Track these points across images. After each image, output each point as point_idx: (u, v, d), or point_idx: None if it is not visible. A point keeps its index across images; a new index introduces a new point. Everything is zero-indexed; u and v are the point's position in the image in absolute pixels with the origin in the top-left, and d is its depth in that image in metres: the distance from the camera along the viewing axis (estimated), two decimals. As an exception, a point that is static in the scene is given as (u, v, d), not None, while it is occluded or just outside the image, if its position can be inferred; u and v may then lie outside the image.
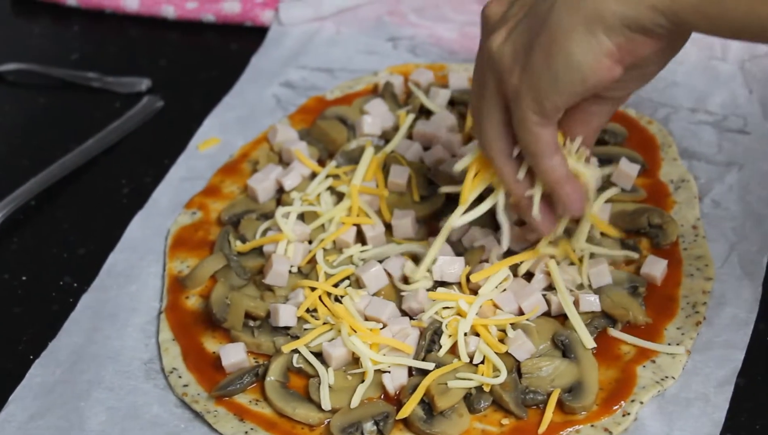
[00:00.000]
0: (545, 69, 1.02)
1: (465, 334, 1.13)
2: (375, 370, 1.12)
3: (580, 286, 1.18)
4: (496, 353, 1.12)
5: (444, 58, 1.51)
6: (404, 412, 1.09)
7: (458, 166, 1.16)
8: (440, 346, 1.14)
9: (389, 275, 1.20)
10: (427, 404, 1.10)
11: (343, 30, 1.58)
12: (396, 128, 1.37)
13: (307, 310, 1.18)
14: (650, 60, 1.04)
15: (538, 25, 1.02)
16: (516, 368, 1.12)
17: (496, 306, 1.16)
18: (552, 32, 1.00)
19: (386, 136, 1.37)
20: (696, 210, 1.27)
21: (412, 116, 1.38)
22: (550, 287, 1.19)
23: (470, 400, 1.10)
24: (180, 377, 1.16)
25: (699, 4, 0.94)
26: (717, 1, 0.94)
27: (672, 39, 1.02)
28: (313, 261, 1.23)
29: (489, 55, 1.06)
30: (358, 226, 1.25)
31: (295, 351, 1.15)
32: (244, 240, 1.27)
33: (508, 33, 1.05)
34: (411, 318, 1.17)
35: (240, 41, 1.60)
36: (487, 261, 1.20)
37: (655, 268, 1.20)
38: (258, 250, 1.25)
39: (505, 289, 1.18)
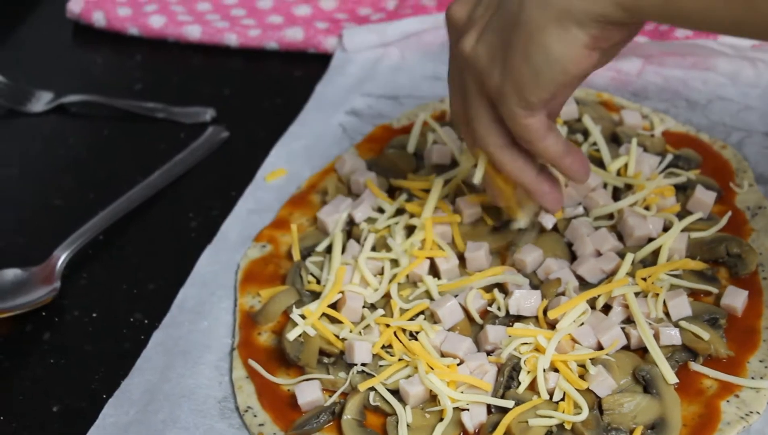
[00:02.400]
0: (525, 66, 1.05)
1: (544, 370, 1.11)
2: (453, 408, 1.10)
3: (659, 320, 1.16)
4: (576, 389, 1.10)
5: (511, 83, 1.49)
6: (485, 451, 1.08)
7: (477, 179, 1.19)
8: (519, 383, 1.12)
9: (465, 310, 1.19)
10: (508, 443, 1.08)
11: (407, 56, 1.57)
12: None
13: (383, 347, 1.16)
14: (622, 42, 1.08)
15: (510, 24, 1.05)
16: (597, 405, 1.10)
17: (574, 340, 1.14)
18: (526, 30, 1.04)
19: (455, 164, 1.35)
20: (775, 237, 1.25)
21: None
22: (629, 320, 1.17)
23: (551, 438, 1.09)
24: (255, 416, 1.15)
25: (662, 2, 0.98)
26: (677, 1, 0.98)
27: (639, 24, 1.07)
28: (386, 295, 1.22)
29: (464, 58, 1.10)
30: (431, 259, 1.23)
31: (372, 389, 1.13)
32: (315, 274, 1.26)
33: (479, 34, 1.08)
34: (488, 354, 1.15)
35: (303, 68, 1.59)
36: (563, 293, 1.18)
37: (736, 299, 1.17)
38: (329, 284, 1.24)
39: (582, 323, 1.16)
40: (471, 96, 1.12)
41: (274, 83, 1.59)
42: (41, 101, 1.58)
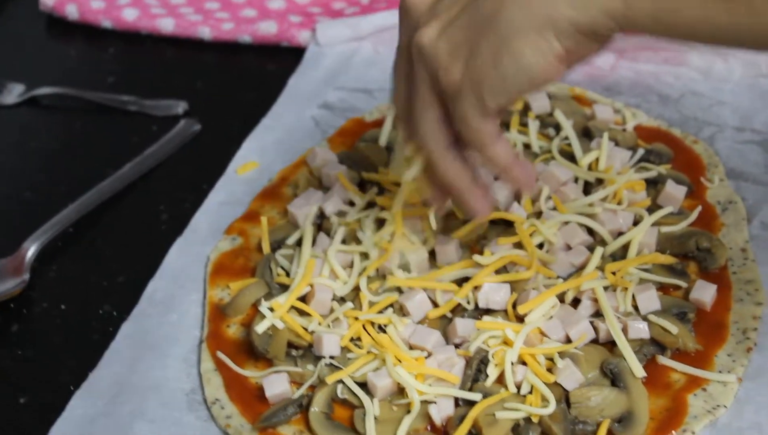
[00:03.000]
0: (492, 69, 1.01)
1: (512, 364, 1.11)
2: (421, 401, 1.10)
3: (628, 313, 1.16)
4: (544, 383, 1.10)
5: (484, 77, 1.49)
6: (452, 444, 1.07)
7: (408, 176, 1.17)
8: (487, 376, 1.12)
9: (433, 303, 1.19)
10: (475, 435, 1.08)
11: (381, 50, 1.56)
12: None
13: (351, 340, 1.16)
14: (589, 57, 1.05)
15: (483, 23, 1.01)
16: (564, 398, 1.10)
17: (542, 334, 1.14)
18: (501, 32, 1.00)
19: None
20: (745, 232, 1.24)
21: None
22: (597, 314, 1.17)
23: (518, 431, 1.08)
24: (223, 408, 1.14)
25: (655, 12, 0.95)
26: (673, 9, 0.95)
27: (610, 39, 1.03)
28: (356, 288, 1.21)
29: (419, 50, 1.05)
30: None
31: (339, 381, 1.13)
32: (284, 267, 1.25)
33: (442, 28, 1.04)
34: (457, 347, 1.15)
35: (277, 62, 1.59)
36: (534, 288, 1.18)
37: (705, 293, 1.17)
38: (299, 277, 1.24)
39: (551, 317, 1.16)
40: (419, 90, 1.08)
41: (248, 77, 1.58)
42: (13, 93, 1.57)
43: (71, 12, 1.66)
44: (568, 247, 1.23)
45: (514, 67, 1.01)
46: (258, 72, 1.58)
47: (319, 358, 1.16)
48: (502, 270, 1.20)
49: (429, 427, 1.10)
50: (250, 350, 1.18)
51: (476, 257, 1.20)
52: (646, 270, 1.19)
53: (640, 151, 1.33)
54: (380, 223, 1.27)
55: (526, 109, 1.40)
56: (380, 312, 1.18)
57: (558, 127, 1.37)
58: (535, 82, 1.02)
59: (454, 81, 1.04)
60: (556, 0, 0.98)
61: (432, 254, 1.24)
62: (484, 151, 1.08)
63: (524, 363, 1.12)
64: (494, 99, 1.03)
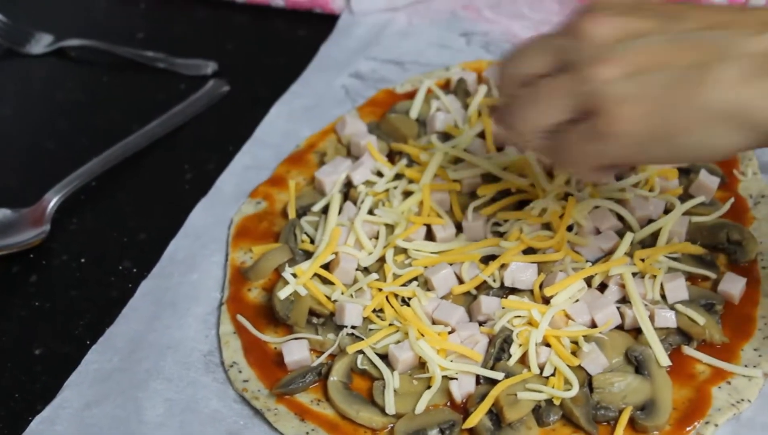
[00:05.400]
0: (667, 140, 0.96)
1: (536, 345, 1.10)
2: (442, 377, 1.09)
3: (655, 301, 1.14)
4: (567, 366, 1.08)
5: (518, 56, 1.48)
6: (471, 422, 1.06)
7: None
8: (510, 356, 1.10)
9: (459, 279, 1.17)
10: (495, 415, 1.07)
11: (415, 22, 1.55)
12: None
13: (374, 311, 1.15)
14: None
15: (680, 92, 0.95)
16: (587, 382, 1.09)
17: (568, 317, 1.13)
18: (697, 110, 0.94)
19: (455, 134, 1.33)
20: (776, 227, 1.23)
21: (485, 116, 1.33)
22: (624, 300, 1.15)
23: (539, 412, 1.07)
24: (240, 372, 1.13)
25: None
26: None
27: None
28: (380, 259, 1.20)
29: (590, 83, 0.97)
30: (428, 225, 1.22)
31: (360, 352, 1.12)
32: (309, 233, 1.24)
33: (625, 74, 0.97)
34: (481, 325, 1.13)
35: (309, 28, 1.56)
36: (562, 270, 1.16)
37: (734, 286, 1.16)
38: (323, 245, 1.22)
39: (578, 300, 1.14)
40: (560, 99, 1.00)
41: (279, 41, 1.56)
42: (41, 43, 1.56)
43: (103, -34, 1.64)
44: (597, 232, 1.21)
45: (694, 146, 0.96)
46: (289, 37, 1.56)
47: (340, 327, 1.14)
48: (529, 250, 1.19)
49: (448, 404, 1.09)
50: (271, 315, 1.17)
51: (503, 243, 1.18)
52: (675, 259, 1.18)
53: (674, 140, 1.31)
54: (408, 196, 1.25)
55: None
56: (404, 285, 1.17)
57: (591, 111, 1.35)
58: (703, 159, 1.00)
59: (606, 127, 0.97)
60: (765, 97, 0.94)
61: (459, 230, 1.22)
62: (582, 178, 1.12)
63: (548, 345, 1.10)
64: (638, 161, 1.03)
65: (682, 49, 0.97)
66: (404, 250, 1.20)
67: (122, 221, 1.31)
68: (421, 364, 1.11)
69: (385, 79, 1.46)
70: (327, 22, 1.56)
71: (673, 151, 0.98)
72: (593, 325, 1.13)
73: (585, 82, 0.98)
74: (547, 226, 1.20)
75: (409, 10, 1.56)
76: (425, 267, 1.18)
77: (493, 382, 1.08)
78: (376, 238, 1.22)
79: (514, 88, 1.05)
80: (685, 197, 1.24)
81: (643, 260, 1.16)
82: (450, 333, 1.12)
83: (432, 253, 1.19)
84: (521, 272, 1.16)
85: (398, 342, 1.12)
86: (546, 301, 1.14)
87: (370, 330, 1.14)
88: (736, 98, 0.94)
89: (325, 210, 1.26)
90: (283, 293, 1.16)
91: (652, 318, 1.12)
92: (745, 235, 1.20)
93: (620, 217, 1.22)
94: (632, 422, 1.06)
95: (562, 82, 1.00)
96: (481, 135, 1.32)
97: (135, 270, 1.25)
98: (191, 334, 1.17)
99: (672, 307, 1.13)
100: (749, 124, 0.94)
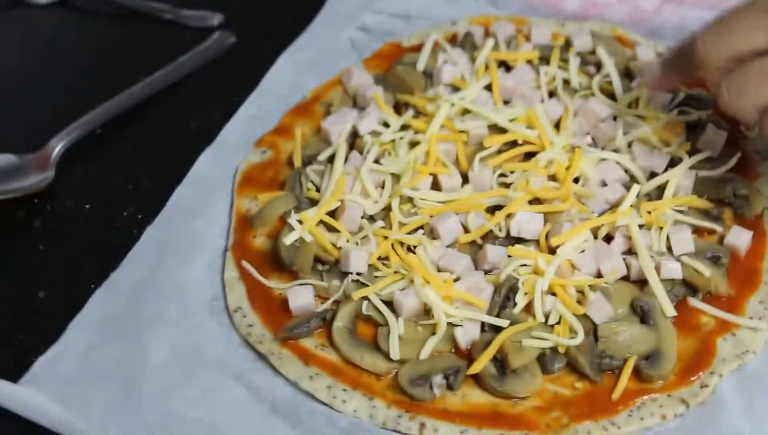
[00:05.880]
0: None
1: (542, 293, 1.10)
2: (447, 323, 1.09)
3: (661, 253, 1.14)
4: (573, 314, 1.08)
5: (525, 11, 1.47)
6: (476, 368, 1.06)
7: None
8: (515, 304, 1.10)
9: (465, 228, 1.17)
10: (500, 362, 1.07)
11: (423, -24, 1.54)
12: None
13: (379, 259, 1.14)
14: None
15: None
16: (592, 331, 1.08)
17: (574, 267, 1.13)
18: None
19: (460, 87, 1.32)
20: (783, 183, 1.23)
21: (492, 68, 1.33)
22: (630, 252, 1.15)
23: (544, 360, 1.07)
24: (245, 317, 1.13)
25: None
26: None
27: None
28: (386, 208, 1.20)
29: None
30: (434, 175, 1.21)
31: (365, 299, 1.12)
32: (315, 182, 1.24)
33: None
34: (486, 273, 1.13)
35: (316, -19, 1.56)
36: (569, 221, 1.16)
37: (740, 239, 1.15)
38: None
39: (583, 251, 1.14)
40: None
41: (286, -6, 1.56)
42: (47, -8, 1.55)
43: None
44: (604, 184, 1.21)
45: None
46: (297, -10, 1.56)
47: (345, 274, 1.14)
48: (536, 202, 1.18)
49: (453, 350, 1.09)
50: (276, 262, 1.17)
51: (509, 193, 1.18)
52: (681, 212, 1.18)
53: (681, 95, 1.30)
54: (414, 146, 1.25)
55: (568, 44, 1.37)
56: (410, 233, 1.16)
57: (599, 66, 1.34)
58: None
59: None
60: None
61: (465, 181, 1.22)
62: None
63: (554, 294, 1.10)
64: None
65: None
66: (410, 200, 1.20)
67: (127, 169, 1.31)
68: (426, 311, 1.10)
69: (392, 32, 1.46)
70: (334, -25, 1.55)
71: None
72: (599, 276, 1.12)
73: None
74: (553, 178, 1.20)
75: (416, -35, 1.55)
76: (431, 216, 1.18)
77: (498, 330, 1.08)
78: (383, 187, 1.22)
79: (727, 63, 1.08)
80: (692, 152, 1.23)
81: (649, 213, 1.16)
82: (455, 281, 1.12)
83: (438, 202, 1.19)
84: (527, 222, 1.16)
85: (403, 289, 1.12)
86: (552, 251, 1.14)
87: (376, 277, 1.14)
88: None
89: (331, 159, 1.26)
90: (288, 239, 1.15)
91: (658, 269, 1.12)
92: (752, 190, 1.20)
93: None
94: (637, 371, 1.06)
95: None
96: (488, 88, 1.31)
97: (140, 216, 1.24)
98: (196, 279, 1.17)
99: (678, 259, 1.13)
100: None
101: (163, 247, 1.20)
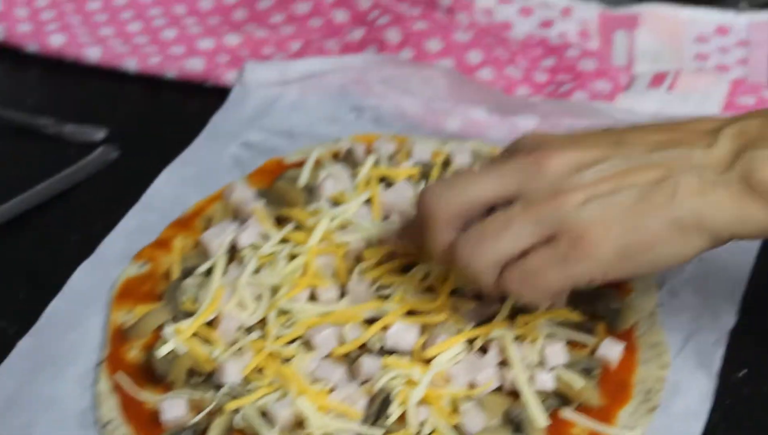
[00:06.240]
0: (635, 256, 1.01)
1: (416, 404, 1.10)
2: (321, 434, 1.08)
3: (535, 365, 1.15)
4: (446, 424, 1.08)
5: (408, 130, 1.50)
6: (348, 480, 1.05)
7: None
8: (389, 415, 1.10)
9: (341, 339, 1.17)
10: (373, 473, 1.06)
11: (307, 96, 1.56)
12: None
13: (254, 370, 1.14)
14: None
15: (646, 208, 1.00)
16: (466, 442, 1.09)
17: (448, 378, 1.13)
18: (663, 223, 0.99)
19: (341, 201, 1.34)
20: (654, 298, 1.25)
21: (373, 184, 1.35)
22: (504, 363, 1.16)
23: (416, 471, 1.07)
24: (116, 430, 1.11)
25: None
26: None
27: None
28: (263, 320, 1.19)
29: (561, 213, 1.01)
30: (312, 288, 1.22)
31: (238, 410, 1.11)
32: (192, 294, 1.23)
33: (587, 199, 1.01)
34: (362, 383, 1.13)
35: (201, 100, 1.57)
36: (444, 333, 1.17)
37: (611, 351, 1.17)
38: (206, 306, 1.21)
39: (458, 362, 1.15)
40: (525, 228, 1.03)
41: (170, 112, 1.57)
42: (-74, 107, 1.54)
43: (-3, 32, 1.64)
44: (480, 296, 1.22)
45: (657, 257, 1.01)
46: (181, 108, 1.57)
47: (220, 386, 1.13)
48: (412, 312, 1.19)
49: (327, 462, 1.09)
50: (151, 374, 1.16)
51: (385, 305, 1.19)
52: (556, 324, 1.19)
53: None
54: (293, 259, 1.25)
55: (448, 162, 1.40)
56: (288, 344, 1.16)
57: (478, 183, 1.37)
58: (662, 269, 1.06)
59: (588, 252, 1.00)
60: (721, 208, 0.98)
61: (343, 294, 1.23)
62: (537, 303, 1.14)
63: (427, 404, 1.11)
64: (618, 275, 1.03)
65: (639, 169, 1.01)
66: (287, 312, 1.20)
67: (2, 281, 1.29)
68: (299, 423, 1.10)
69: (276, 149, 1.47)
70: (219, 95, 1.56)
71: (639, 265, 1.02)
72: (474, 386, 1.13)
73: (552, 210, 1.01)
74: (430, 289, 1.21)
75: (301, 84, 1.57)
76: (308, 328, 1.18)
77: (372, 440, 1.08)
78: (260, 299, 1.22)
79: (458, 219, 1.07)
80: (566, 266, 1.26)
81: (526, 324, 1.18)
82: (331, 392, 1.12)
83: (315, 314, 1.19)
84: (403, 333, 1.16)
85: (278, 400, 1.11)
86: (427, 362, 1.15)
87: (248, 390, 1.13)
88: (698, 208, 0.98)
89: (210, 272, 1.25)
90: (161, 351, 1.15)
91: (532, 380, 1.13)
92: (624, 305, 1.23)
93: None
94: (509, 482, 1.06)
95: (525, 211, 1.03)
96: (369, 202, 1.33)
97: (12, 330, 1.23)
98: (67, 392, 1.15)
99: (551, 371, 1.15)
100: (708, 230, 0.99)
101: (35, 360, 1.18)
